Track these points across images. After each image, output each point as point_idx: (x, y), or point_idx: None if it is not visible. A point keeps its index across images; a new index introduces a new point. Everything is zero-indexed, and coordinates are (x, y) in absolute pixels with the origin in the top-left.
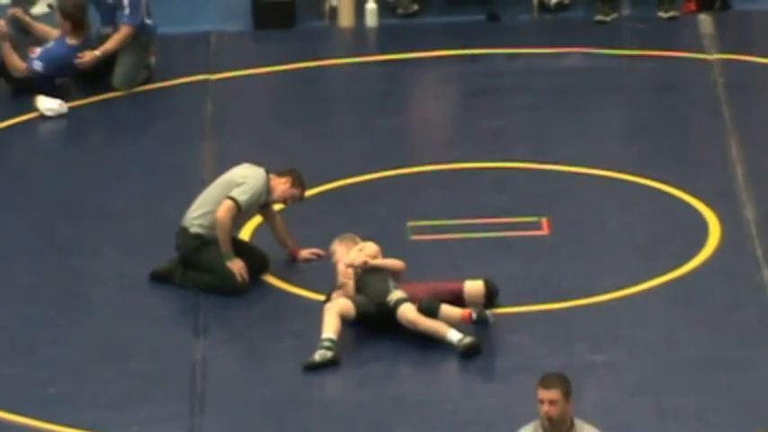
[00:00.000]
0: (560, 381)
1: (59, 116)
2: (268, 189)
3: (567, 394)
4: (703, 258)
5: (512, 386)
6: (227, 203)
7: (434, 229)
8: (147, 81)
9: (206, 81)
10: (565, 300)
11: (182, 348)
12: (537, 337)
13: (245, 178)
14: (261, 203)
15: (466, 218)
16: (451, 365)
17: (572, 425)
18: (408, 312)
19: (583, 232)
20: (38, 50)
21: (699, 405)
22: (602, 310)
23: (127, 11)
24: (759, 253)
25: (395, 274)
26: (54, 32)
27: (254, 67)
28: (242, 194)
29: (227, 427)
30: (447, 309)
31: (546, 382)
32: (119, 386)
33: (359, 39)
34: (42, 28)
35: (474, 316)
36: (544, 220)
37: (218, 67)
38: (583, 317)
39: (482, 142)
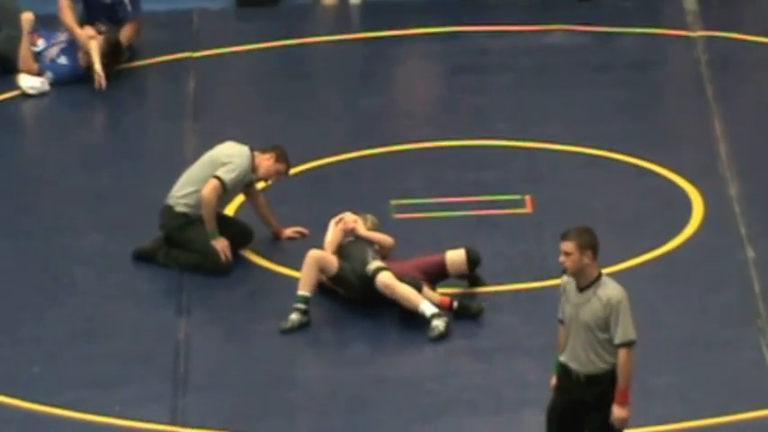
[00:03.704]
0: (578, 234)
1: (41, 94)
2: (253, 167)
3: (582, 247)
4: (687, 236)
5: (495, 365)
6: (213, 183)
7: (417, 208)
8: (130, 60)
9: (188, 59)
10: (548, 278)
11: (164, 328)
12: (520, 315)
13: (229, 157)
14: (246, 182)
15: (449, 196)
16: (434, 345)
17: (597, 279)
18: (386, 278)
19: (566, 210)
20: (52, 55)
21: (681, 384)
22: None
23: (129, 7)
24: (742, 231)
25: (383, 250)
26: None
27: (236, 45)
28: (227, 173)
29: (210, 406)
30: (429, 292)
31: (564, 233)
32: (101, 366)
33: (342, 16)
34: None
35: (455, 305)
36: (527, 198)
37: (200, 45)
38: None
39: (465, 120)
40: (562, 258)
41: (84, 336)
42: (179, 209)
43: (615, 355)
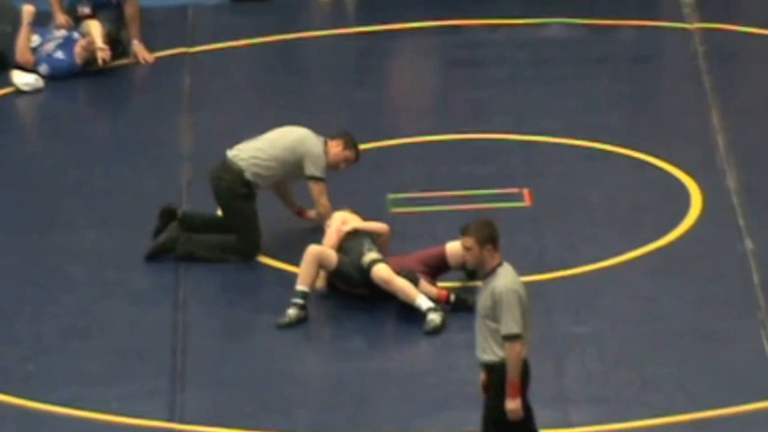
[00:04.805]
0: (477, 228)
1: (36, 91)
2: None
3: (482, 242)
4: (685, 228)
5: None
6: (317, 187)
7: (415, 202)
8: (124, 55)
9: (184, 54)
10: (546, 271)
11: (161, 324)
12: None
13: (308, 149)
14: None
15: (446, 190)
16: (433, 339)
17: (496, 269)
18: (382, 271)
19: (564, 203)
20: (49, 50)
21: (681, 376)
22: (584, 281)
23: None
24: (741, 222)
25: (381, 238)
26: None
27: (231, 39)
28: (322, 170)
29: (208, 402)
30: (426, 285)
31: (463, 228)
32: (98, 362)
33: (337, 10)
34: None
35: (452, 298)
36: (525, 192)
37: (195, 41)
38: (565, 288)
39: (462, 114)
40: (462, 252)
41: (81, 332)
42: (248, 176)
43: (503, 348)
